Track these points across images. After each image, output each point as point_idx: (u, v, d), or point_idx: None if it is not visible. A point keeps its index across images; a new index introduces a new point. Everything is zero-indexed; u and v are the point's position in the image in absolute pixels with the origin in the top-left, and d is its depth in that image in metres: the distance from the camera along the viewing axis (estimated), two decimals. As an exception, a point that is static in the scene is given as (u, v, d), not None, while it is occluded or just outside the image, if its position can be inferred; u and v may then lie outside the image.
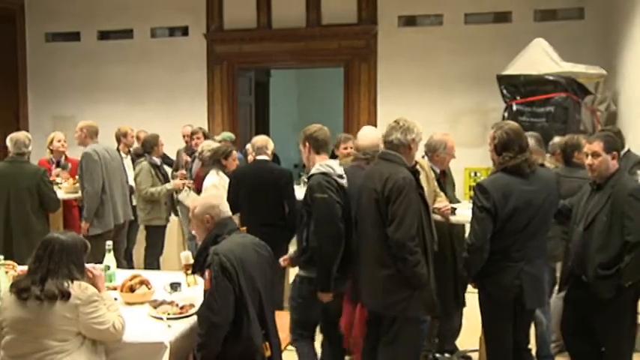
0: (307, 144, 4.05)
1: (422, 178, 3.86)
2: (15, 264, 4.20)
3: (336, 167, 3.92)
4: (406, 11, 9.23)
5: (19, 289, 2.94)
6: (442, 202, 4.53)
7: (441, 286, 3.78)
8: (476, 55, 8.72)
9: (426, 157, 4.80)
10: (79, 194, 6.21)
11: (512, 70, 7.28)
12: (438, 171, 4.80)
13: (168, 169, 7.26)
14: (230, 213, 3.50)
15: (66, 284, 2.93)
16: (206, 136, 7.12)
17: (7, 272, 3.81)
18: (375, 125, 8.99)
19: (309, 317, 4.02)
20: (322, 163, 3.92)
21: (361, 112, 9.38)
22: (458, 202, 4.91)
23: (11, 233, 5.50)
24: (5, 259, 3.87)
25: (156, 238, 6.65)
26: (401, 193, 3.47)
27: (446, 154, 4.73)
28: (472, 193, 3.91)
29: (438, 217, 4.44)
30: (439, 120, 8.43)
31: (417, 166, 3.82)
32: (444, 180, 4.87)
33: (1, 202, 5.51)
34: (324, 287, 3.78)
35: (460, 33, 8.95)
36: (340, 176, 3.89)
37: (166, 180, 6.64)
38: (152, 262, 6.61)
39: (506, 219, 3.51)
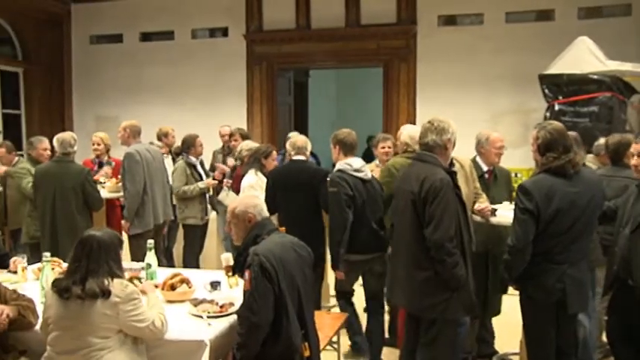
0: (337, 146, 4.69)
1: (460, 178, 3.83)
2: (60, 261, 4.30)
3: (354, 164, 4.55)
4: (446, 11, 9.15)
5: (60, 288, 2.98)
6: (483, 203, 4.47)
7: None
8: (517, 54, 8.60)
9: (478, 157, 4.77)
10: (122, 193, 6.33)
11: (554, 69, 7.14)
12: (484, 169, 4.74)
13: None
14: (268, 214, 3.51)
15: (106, 282, 2.96)
16: (244, 137, 7.14)
17: (53, 269, 3.90)
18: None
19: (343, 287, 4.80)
20: (341, 162, 4.59)
21: (400, 112, 9.33)
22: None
23: (57, 231, 5.61)
24: (51, 256, 3.95)
25: (192, 236, 6.71)
26: (438, 194, 3.44)
27: (490, 146, 4.68)
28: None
29: (478, 218, 4.39)
30: (479, 120, 8.33)
31: (456, 167, 3.78)
32: (489, 179, 4.80)
33: (48, 200, 5.64)
34: (334, 266, 4.52)
35: (501, 32, 8.84)
36: (357, 170, 4.50)
37: (202, 180, 6.71)
38: (191, 260, 6.68)
39: (549, 221, 3.44)
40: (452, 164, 3.76)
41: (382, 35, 9.31)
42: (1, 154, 7.14)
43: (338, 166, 4.59)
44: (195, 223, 6.64)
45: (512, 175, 8.39)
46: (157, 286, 3.84)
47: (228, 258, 3.93)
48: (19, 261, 4.29)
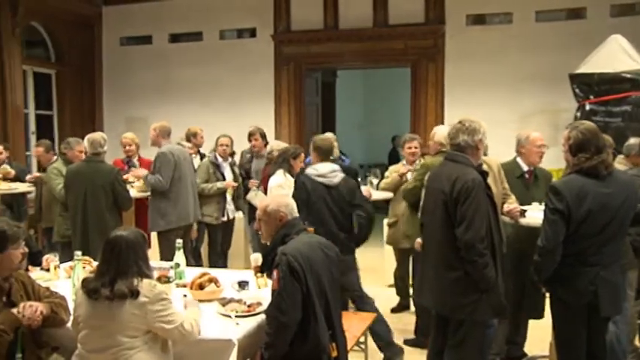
0: (315, 152, 4.91)
1: (490, 179, 3.79)
2: (91, 260, 4.36)
3: (320, 169, 4.76)
4: (475, 10, 9.08)
5: (88, 289, 3.01)
6: (512, 204, 4.43)
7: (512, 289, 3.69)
8: (547, 53, 8.50)
9: (518, 157, 4.73)
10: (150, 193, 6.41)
11: (585, 68, 7.03)
12: (525, 169, 4.70)
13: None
14: (297, 214, 3.51)
15: (135, 282, 2.97)
16: (262, 137, 7.17)
17: (84, 267, 3.96)
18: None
19: None
20: (311, 166, 4.85)
21: (428, 112, 9.28)
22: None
23: (88, 230, 5.69)
24: (82, 254, 4.01)
25: (212, 235, 6.79)
26: (470, 194, 3.42)
27: (530, 145, 4.64)
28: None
29: (507, 219, 4.35)
30: (508, 120, 8.26)
31: (485, 167, 3.76)
32: (529, 179, 4.75)
33: (79, 199, 5.72)
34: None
35: (530, 31, 8.75)
36: (321, 175, 4.72)
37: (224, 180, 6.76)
38: (215, 259, 6.73)
39: (581, 222, 3.39)
40: (480, 165, 3.73)
41: (410, 35, 9.27)
42: (39, 153, 7.30)
43: (307, 170, 4.88)
44: (210, 221, 6.71)
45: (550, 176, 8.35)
46: (185, 286, 3.88)
47: (257, 258, 3.94)
48: (51, 259, 4.36)
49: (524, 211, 4.41)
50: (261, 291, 3.79)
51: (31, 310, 3.12)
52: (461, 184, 3.45)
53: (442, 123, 8.92)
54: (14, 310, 3.12)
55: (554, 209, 3.41)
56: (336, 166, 4.82)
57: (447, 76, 9.20)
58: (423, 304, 4.64)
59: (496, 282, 3.48)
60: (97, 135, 5.96)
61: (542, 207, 3.84)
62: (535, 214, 4.28)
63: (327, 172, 4.73)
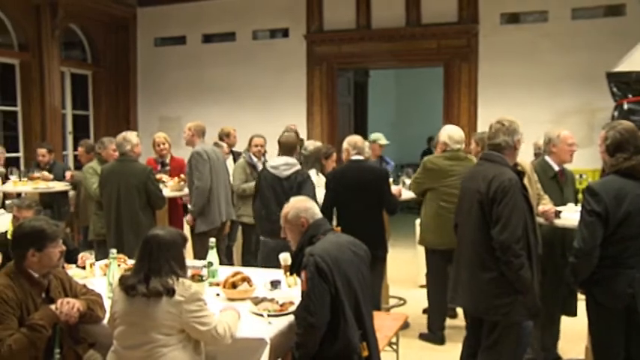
0: (279, 147, 5.36)
1: (525, 180, 3.74)
2: (126, 257, 4.41)
3: (274, 162, 5.25)
4: (509, 8, 8.98)
5: (126, 286, 3.04)
6: (547, 205, 4.37)
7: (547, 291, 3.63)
8: (583, 52, 8.36)
9: (546, 156, 4.67)
10: (184, 192, 6.45)
11: (623, 66, 6.90)
12: (556, 168, 4.64)
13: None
14: (321, 215, 3.51)
15: (170, 281, 3.00)
16: (298, 137, 7.18)
17: (119, 265, 4.01)
18: (476, 126, 8.83)
19: None
20: (271, 159, 5.42)
21: (461, 112, 9.21)
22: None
23: (121, 228, 5.74)
24: (116, 252, 4.06)
25: (247, 235, 6.79)
26: (507, 194, 3.38)
27: (562, 144, 4.57)
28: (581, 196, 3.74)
29: (541, 220, 4.29)
30: (543, 120, 8.14)
31: (519, 168, 3.71)
32: (562, 179, 4.69)
33: (112, 198, 5.79)
34: None
35: (566, 29, 8.61)
36: (273, 167, 5.20)
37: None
38: (248, 259, 6.76)
39: (619, 224, 3.32)
40: (516, 164, 3.69)
41: (443, 34, 9.21)
42: (80, 152, 7.46)
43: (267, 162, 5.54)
44: (248, 221, 6.68)
45: (577, 176, 8.21)
46: (218, 285, 3.91)
47: (286, 258, 3.95)
48: (86, 257, 4.43)
49: (559, 212, 4.34)
50: (293, 290, 3.80)
51: (68, 306, 3.17)
52: (497, 184, 3.41)
53: (475, 123, 8.88)
54: (52, 307, 3.18)
55: (591, 211, 3.35)
56: (291, 160, 5.22)
57: (480, 75, 9.12)
58: (457, 306, 4.61)
59: (532, 283, 3.42)
60: (119, 135, 5.98)
61: (578, 208, 3.78)
62: (570, 216, 4.22)
63: (280, 164, 5.17)
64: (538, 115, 8.28)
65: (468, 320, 3.81)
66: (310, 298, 3.08)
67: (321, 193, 5.21)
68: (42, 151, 7.79)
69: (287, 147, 5.36)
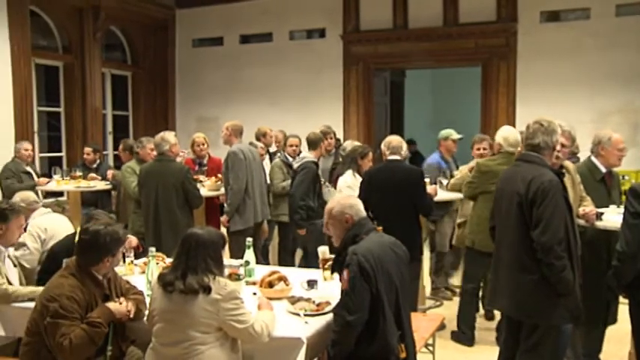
0: None
1: (567, 182, 3.68)
2: (164, 256, 4.47)
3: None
4: (549, 6, 8.83)
5: (164, 282, 3.08)
6: (588, 207, 4.29)
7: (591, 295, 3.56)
8: (627, 50, 8.18)
9: (592, 156, 4.59)
10: (221, 192, 6.51)
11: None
12: (603, 171, 4.56)
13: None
14: (365, 213, 3.51)
15: (206, 279, 3.03)
16: (329, 136, 7.19)
17: (157, 263, 4.07)
18: (514, 127, 8.67)
19: None
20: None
21: (499, 112, 9.09)
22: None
23: (160, 227, 5.82)
24: (155, 250, 4.12)
25: (284, 234, 6.83)
26: (547, 196, 3.32)
27: (612, 147, 4.49)
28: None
29: (581, 222, 4.21)
30: (584, 120, 7.98)
31: (563, 169, 3.65)
32: (610, 182, 4.60)
33: (151, 197, 5.87)
34: None
35: (610, 27, 8.42)
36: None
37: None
38: (285, 257, 6.79)
39: (664, 226, 3.25)
40: (561, 167, 3.62)
41: (481, 34, 9.11)
42: (121, 152, 7.62)
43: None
44: (286, 220, 6.73)
45: (620, 177, 8.05)
46: (254, 284, 3.93)
47: (325, 251, 3.96)
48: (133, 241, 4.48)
49: (601, 214, 4.25)
50: (330, 289, 3.79)
51: (123, 306, 3.30)
52: (537, 186, 3.35)
53: (513, 123, 8.74)
54: (109, 305, 3.27)
55: (635, 213, 3.28)
56: (305, 154, 6.43)
57: (519, 75, 8.98)
58: (496, 308, 4.56)
59: (574, 285, 3.36)
60: (157, 135, 6.07)
61: (620, 210, 3.70)
62: (612, 218, 4.13)
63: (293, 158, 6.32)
64: (579, 115, 8.12)
65: (507, 322, 3.76)
66: (350, 297, 3.09)
67: (357, 194, 5.20)
68: (88, 149, 7.96)
69: (309, 142, 6.40)
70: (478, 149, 5.97)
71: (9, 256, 4.17)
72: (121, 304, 3.31)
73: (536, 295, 3.39)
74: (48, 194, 8.38)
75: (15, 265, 4.20)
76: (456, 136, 6.73)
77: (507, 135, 5.13)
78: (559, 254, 3.29)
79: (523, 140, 3.69)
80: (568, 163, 4.36)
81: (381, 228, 3.57)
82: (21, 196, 4.76)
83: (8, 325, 3.80)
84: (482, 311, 5.93)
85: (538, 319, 3.43)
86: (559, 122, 3.62)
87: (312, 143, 6.49)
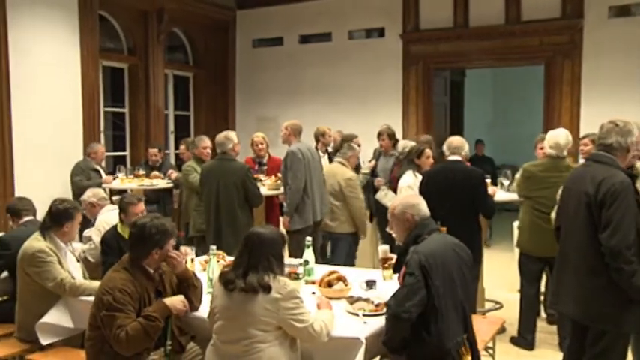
0: None
1: (638, 184, 3.55)
2: (224, 254, 4.54)
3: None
4: (618, 0, 8.49)
5: (225, 280, 3.13)
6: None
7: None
8: None
9: None
10: (281, 191, 6.56)
11: None
12: None
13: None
14: (429, 213, 3.48)
15: (266, 278, 3.05)
16: (390, 137, 7.15)
17: (217, 261, 4.14)
18: (578, 126, 8.46)
19: None
20: None
21: (563, 112, 8.84)
22: None
23: (220, 225, 5.90)
24: (216, 249, 4.19)
25: None
26: (617, 198, 3.21)
27: None
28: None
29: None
30: (654, 120, 7.67)
31: (635, 171, 3.52)
32: None
33: (212, 196, 5.96)
34: None
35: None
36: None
37: None
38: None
39: None
40: (631, 167, 3.50)
41: (545, 31, 8.86)
42: (182, 151, 7.80)
43: None
44: None
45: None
46: (314, 283, 3.95)
47: (385, 250, 3.96)
48: (187, 251, 4.58)
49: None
50: (389, 289, 3.77)
51: (178, 301, 3.40)
52: (607, 187, 3.25)
53: (578, 123, 8.51)
54: (165, 300, 3.36)
55: None
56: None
57: (584, 73, 8.69)
58: (560, 312, 4.45)
59: None
60: (221, 134, 6.16)
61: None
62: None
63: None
64: (648, 114, 7.83)
65: (572, 327, 3.66)
66: (403, 290, 3.09)
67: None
68: (154, 150, 8.26)
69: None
70: (542, 149, 5.84)
71: (71, 252, 4.33)
72: (177, 299, 3.40)
73: (605, 299, 3.28)
74: (114, 192, 8.64)
75: (78, 261, 4.36)
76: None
77: (556, 138, 5.05)
78: (629, 258, 3.17)
79: (595, 140, 3.58)
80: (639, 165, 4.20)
81: (444, 228, 3.54)
82: (93, 192, 4.96)
83: (76, 316, 3.96)
84: (543, 314, 5.81)
85: (607, 325, 3.33)
86: (637, 122, 3.49)
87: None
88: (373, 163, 6.84)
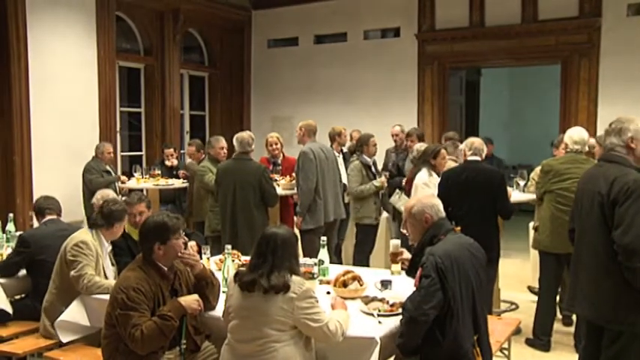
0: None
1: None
2: (239, 253, 4.55)
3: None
4: (637, -1, 8.40)
5: (246, 282, 3.10)
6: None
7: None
8: None
9: None
10: (294, 191, 6.58)
11: None
12: None
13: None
14: (444, 214, 3.47)
15: (288, 277, 3.06)
16: (420, 138, 7.14)
17: (233, 261, 4.15)
18: (595, 126, 8.39)
19: None
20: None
21: (579, 111, 8.77)
22: None
23: (236, 224, 5.91)
24: (231, 248, 4.20)
25: (365, 236, 6.77)
26: (631, 195, 3.18)
27: None
28: None
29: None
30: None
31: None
32: None
33: (228, 195, 5.97)
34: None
35: None
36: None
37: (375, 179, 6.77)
38: (361, 259, 6.76)
39: None
40: None
41: (561, 30, 8.79)
42: (191, 151, 7.86)
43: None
44: (370, 222, 6.69)
45: None
46: (328, 282, 3.95)
47: (397, 245, 3.96)
48: (194, 247, 4.58)
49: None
50: (404, 289, 3.76)
51: (194, 300, 3.40)
52: (620, 185, 3.22)
53: (595, 122, 8.44)
54: (180, 300, 3.37)
55: None
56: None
57: (601, 72, 8.62)
58: (575, 313, 4.42)
59: None
60: (245, 134, 6.20)
61: None
62: None
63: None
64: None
65: (587, 328, 3.64)
66: (419, 293, 3.08)
67: (433, 191, 5.18)
68: (170, 150, 8.30)
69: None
70: (565, 149, 5.81)
71: (109, 254, 4.36)
72: (192, 298, 3.42)
73: (621, 300, 3.25)
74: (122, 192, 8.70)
75: (113, 264, 4.38)
76: None
77: (572, 133, 5.13)
78: None
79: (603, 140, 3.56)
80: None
81: (459, 228, 3.52)
82: (102, 194, 4.97)
83: (92, 314, 3.99)
84: (559, 315, 5.76)
85: (622, 326, 3.29)
86: None
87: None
88: (384, 179, 6.80)
